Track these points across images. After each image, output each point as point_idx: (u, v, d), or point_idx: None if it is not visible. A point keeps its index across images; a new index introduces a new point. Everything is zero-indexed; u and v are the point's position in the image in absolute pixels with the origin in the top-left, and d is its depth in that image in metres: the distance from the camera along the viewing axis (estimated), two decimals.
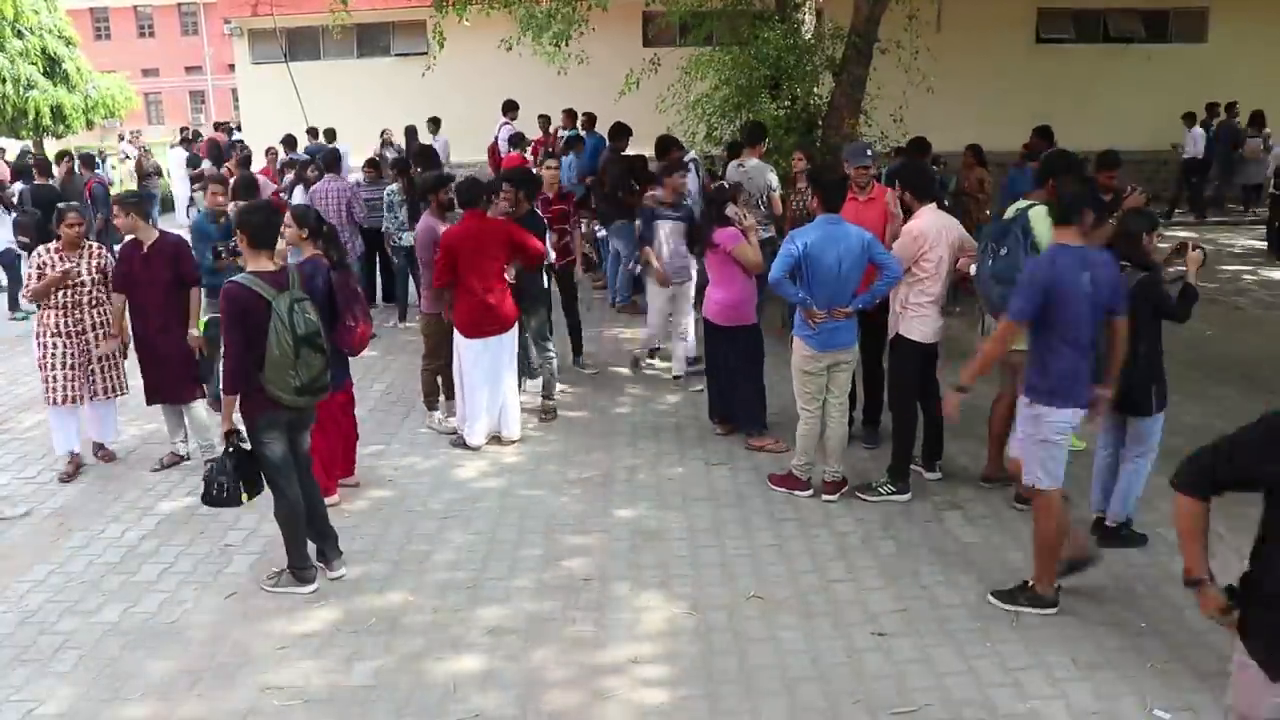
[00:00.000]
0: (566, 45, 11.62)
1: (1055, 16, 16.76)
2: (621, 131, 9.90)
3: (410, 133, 13.14)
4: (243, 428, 4.45)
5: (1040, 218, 4.78)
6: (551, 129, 13.89)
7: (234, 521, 5.31)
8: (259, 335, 4.21)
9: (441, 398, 6.77)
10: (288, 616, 4.43)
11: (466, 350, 6.17)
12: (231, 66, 22.18)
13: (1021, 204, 5.03)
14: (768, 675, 3.90)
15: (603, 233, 10.80)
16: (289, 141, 12.92)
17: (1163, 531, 4.97)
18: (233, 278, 4.36)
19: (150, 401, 6.06)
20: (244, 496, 4.45)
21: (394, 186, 9.15)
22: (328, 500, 5.43)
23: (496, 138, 13.59)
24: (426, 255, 6.42)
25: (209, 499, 4.46)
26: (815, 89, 10.34)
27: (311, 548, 4.70)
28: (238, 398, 4.31)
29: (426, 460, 6.19)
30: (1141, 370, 4.57)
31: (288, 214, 5.22)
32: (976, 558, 4.78)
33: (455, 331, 6.19)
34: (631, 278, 9.97)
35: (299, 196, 9.87)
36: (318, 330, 4.36)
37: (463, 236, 6.01)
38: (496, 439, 6.36)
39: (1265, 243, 12.55)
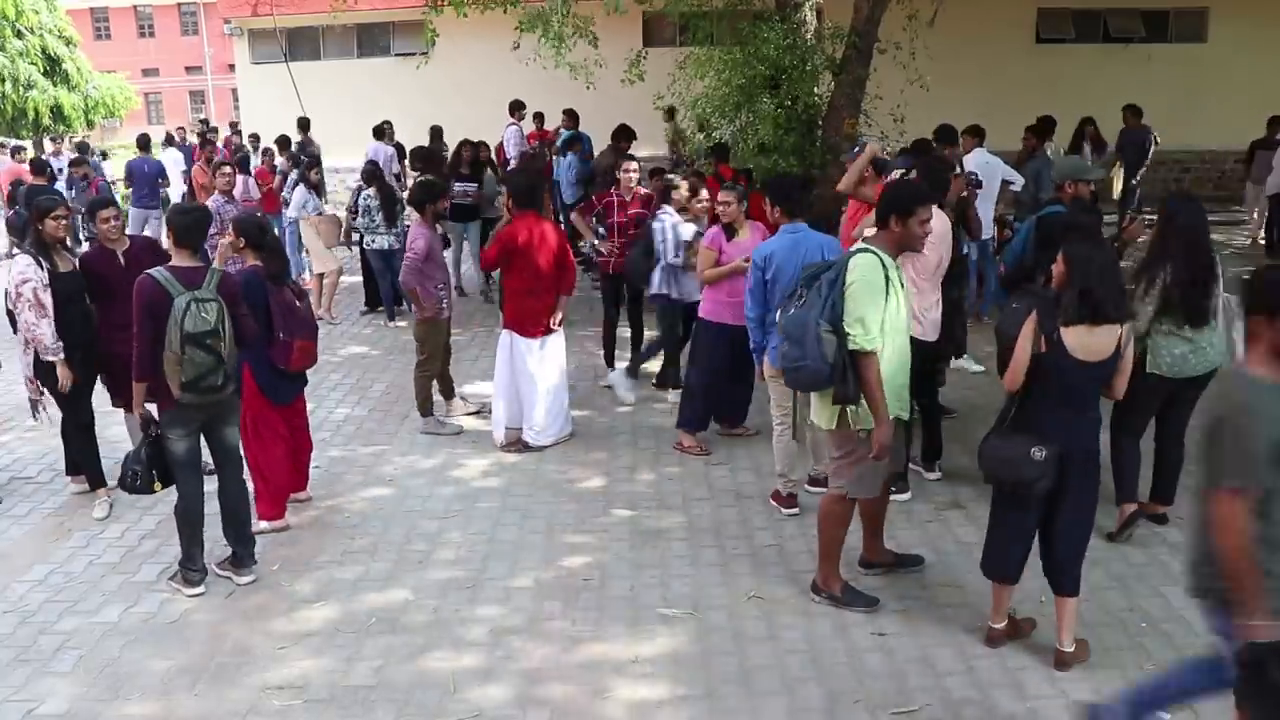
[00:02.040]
0: (566, 49, 11.60)
1: (1055, 16, 16.75)
2: (624, 133, 9.96)
3: (435, 133, 13.23)
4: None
5: (863, 266, 3.89)
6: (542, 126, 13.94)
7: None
8: (163, 328, 4.34)
9: (439, 398, 6.80)
10: (288, 616, 4.43)
11: (526, 350, 6.22)
12: (231, 66, 22.18)
13: (865, 240, 4.12)
14: (768, 675, 3.90)
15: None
16: (282, 142, 12.93)
17: (1162, 531, 4.98)
18: (148, 270, 4.48)
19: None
20: (157, 485, 4.63)
21: (370, 190, 9.36)
22: (301, 495, 5.51)
23: (503, 139, 13.57)
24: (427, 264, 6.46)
25: (124, 485, 4.67)
26: (815, 89, 10.34)
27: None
28: (145, 387, 4.53)
29: (426, 460, 6.20)
30: None
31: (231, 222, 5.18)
32: (978, 557, 4.76)
33: (510, 332, 6.24)
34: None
35: (299, 197, 9.86)
36: (211, 331, 4.36)
37: (520, 236, 6.08)
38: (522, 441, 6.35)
39: None
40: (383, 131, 13.12)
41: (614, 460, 6.13)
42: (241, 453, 4.87)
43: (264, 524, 5.20)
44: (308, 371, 5.44)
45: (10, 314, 5.66)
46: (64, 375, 5.27)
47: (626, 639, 4.18)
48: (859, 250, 3.95)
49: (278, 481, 5.28)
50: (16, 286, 5.20)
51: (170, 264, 4.52)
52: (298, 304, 5.20)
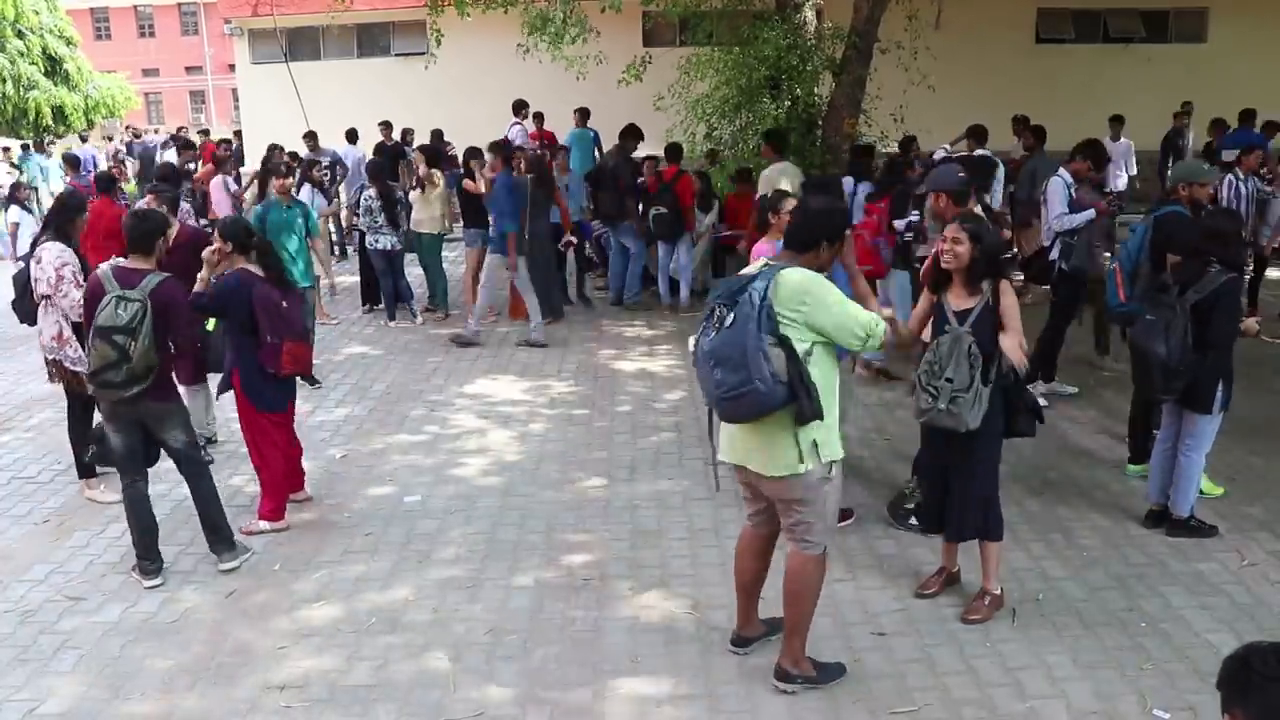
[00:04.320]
0: (567, 44, 11.65)
1: (1055, 16, 16.79)
2: (632, 133, 9.99)
3: (437, 135, 13.33)
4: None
5: (790, 283, 3.47)
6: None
7: (233, 521, 5.31)
8: None
9: None
10: (288, 615, 4.43)
11: None
12: (231, 66, 22.21)
13: (772, 260, 3.68)
14: (768, 675, 3.89)
15: (599, 232, 10.85)
16: (311, 136, 12.97)
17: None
18: (99, 266, 4.73)
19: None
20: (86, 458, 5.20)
21: (371, 191, 9.39)
22: (299, 495, 5.54)
23: (506, 137, 13.58)
24: None
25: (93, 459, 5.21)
26: (815, 89, 10.36)
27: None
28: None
29: (426, 459, 6.20)
30: (1210, 368, 4.66)
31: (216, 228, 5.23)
32: (977, 557, 4.77)
33: None
34: (641, 275, 10.02)
35: (305, 197, 9.85)
36: (122, 328, 4.43)
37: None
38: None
39: None
40: (395, 134, 13.20)
41: (614, 460, 6.13)
42: (199, 455, 4.99)
43: (264, 524, 5.20)
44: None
45: (16, 309, 5.82)
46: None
47: (626, 639, 4.18)
48: (782, 267, 3.52)
49: (278, 482, 5.28)
50: (58, 270, 5.45)
51: (119, 263, 4.67)
52: (283, 305, 5.09)
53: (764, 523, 3.92)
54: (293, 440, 5.48)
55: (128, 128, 22.14)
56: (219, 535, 4.86)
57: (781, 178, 8.21)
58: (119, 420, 4.67)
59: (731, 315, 3.43)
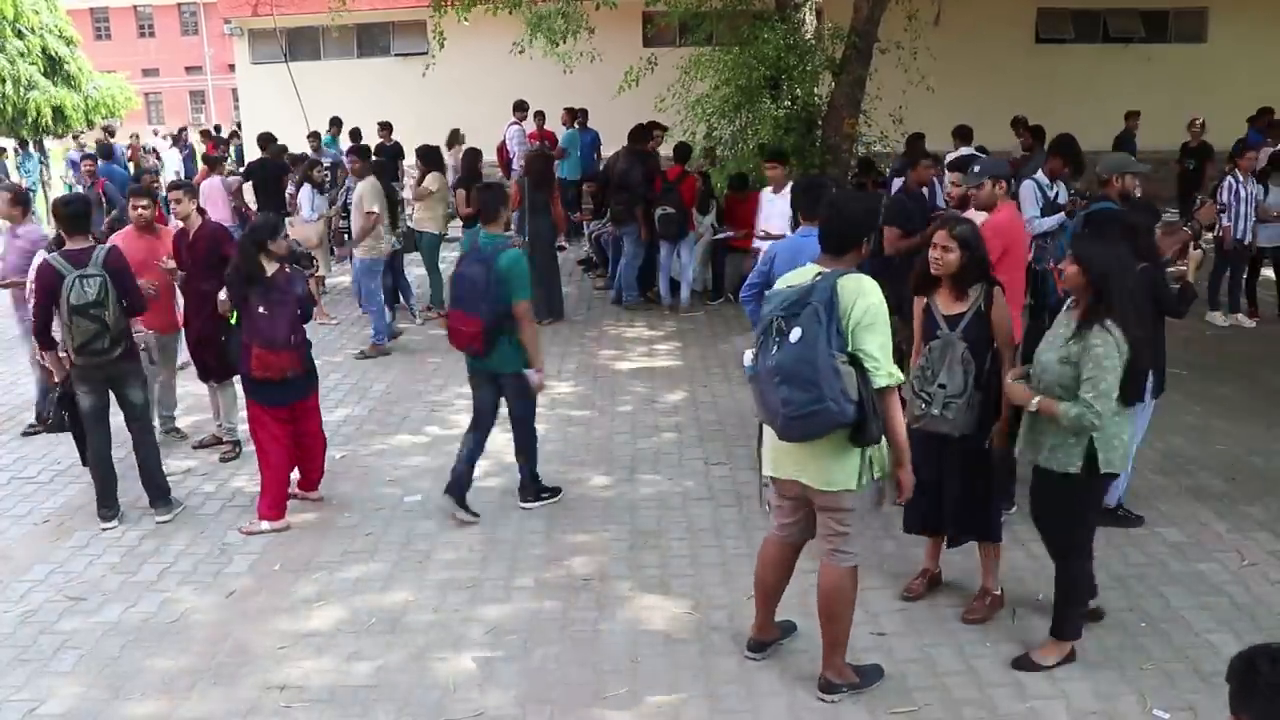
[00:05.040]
0: (564, 44, 11.66)
1: (1055, 16, 16.78)
2: (640, 135, 9.99)
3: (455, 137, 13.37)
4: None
5: (873, 290, 3.39)
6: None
7: (233, 521, 5.33)
8: (58, 303, 5.00)
9: None
10: (289, 616, 4.43)
11: None
12: (231, 66, 22.19)
13: (819, 266, 3.56)
14: (768, 675, 3.90)
15: (598, 232, 10.84)
16: (315, 136, 12.97)
17: (1162, 530, 4.98)
18: (46, 256, 5.28)
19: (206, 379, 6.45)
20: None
21: None
22: (311, 494, 5.58)
23: (505, 138, 13.60)
24: None
25: (40, 421, 5.76)
26: (815, 89, 10.35)
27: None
28: (54, 354, 5.31)
29: (427, 460, 6.20)
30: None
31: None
32: (977, 557, 4.77)
33: None
34: (637, 276, 10.01)
35: (306, 197, 9.86)
36: (94, 302, 4.97)
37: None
38: None
39: None
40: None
41: (614, 460, 6.13)
42: (149, 415, 5.54)
43: (264, 524, 5.20)
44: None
45: None
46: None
47: (626, 639, 4.19)
48: (847, 273, 3.43)
49: (276, 479, 5.27)
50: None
51: (63, 248, 5.15)
52: (260, 311, 5.08)
53: (796, 534, 3.87)
54: (314, 442, 5.51)
55: (104, 127, 21.86)
56: (158, 490, 5.40)
57: (367, 193, 8.46)
58: (92, 382, 5.17)
59: (797, 330, 3.29)
